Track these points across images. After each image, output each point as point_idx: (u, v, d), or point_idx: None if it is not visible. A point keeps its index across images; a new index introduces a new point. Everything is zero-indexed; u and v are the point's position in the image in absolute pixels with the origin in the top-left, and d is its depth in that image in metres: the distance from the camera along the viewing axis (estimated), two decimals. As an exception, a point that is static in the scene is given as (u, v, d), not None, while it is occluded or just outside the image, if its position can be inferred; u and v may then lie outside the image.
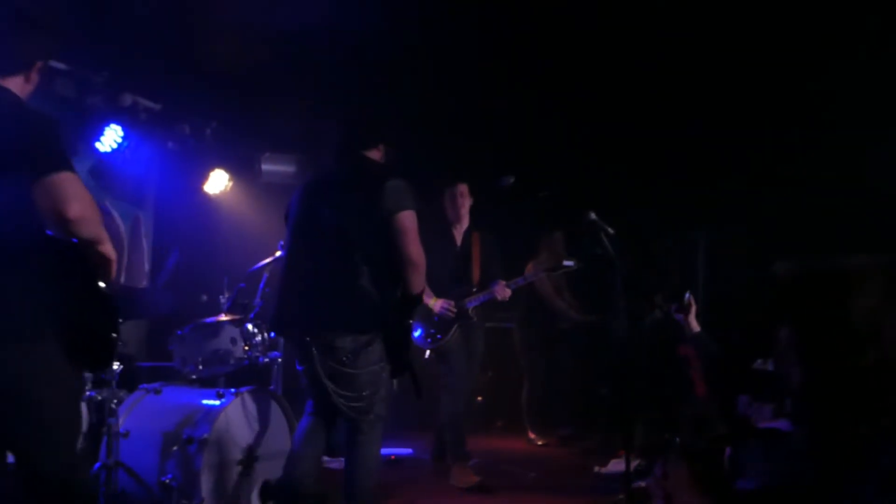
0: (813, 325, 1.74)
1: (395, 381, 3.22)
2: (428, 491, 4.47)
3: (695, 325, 3.42)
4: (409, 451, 5.45)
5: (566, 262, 4.78)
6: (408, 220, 3.05)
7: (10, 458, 2.29)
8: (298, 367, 3.19)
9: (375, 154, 3.28)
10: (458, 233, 4.90)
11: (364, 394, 3.00)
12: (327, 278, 3.05)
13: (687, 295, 3.54)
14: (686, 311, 3.44)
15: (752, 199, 5.56)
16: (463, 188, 4.87)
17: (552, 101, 6.05)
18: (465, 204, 4.88)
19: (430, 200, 4.82)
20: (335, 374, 2.98)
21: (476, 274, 4.83)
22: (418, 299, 3.14)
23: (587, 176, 6.48)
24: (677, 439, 2.97)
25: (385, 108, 3.83)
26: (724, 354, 3.28)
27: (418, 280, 3.08)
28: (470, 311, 4.73)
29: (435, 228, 4.79)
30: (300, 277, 3.13)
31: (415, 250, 3.04)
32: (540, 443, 6.23)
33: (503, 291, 4.75)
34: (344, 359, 2.96)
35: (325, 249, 3.08)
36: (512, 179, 3.88)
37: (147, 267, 5.85)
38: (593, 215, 3.90)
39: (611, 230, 4.03)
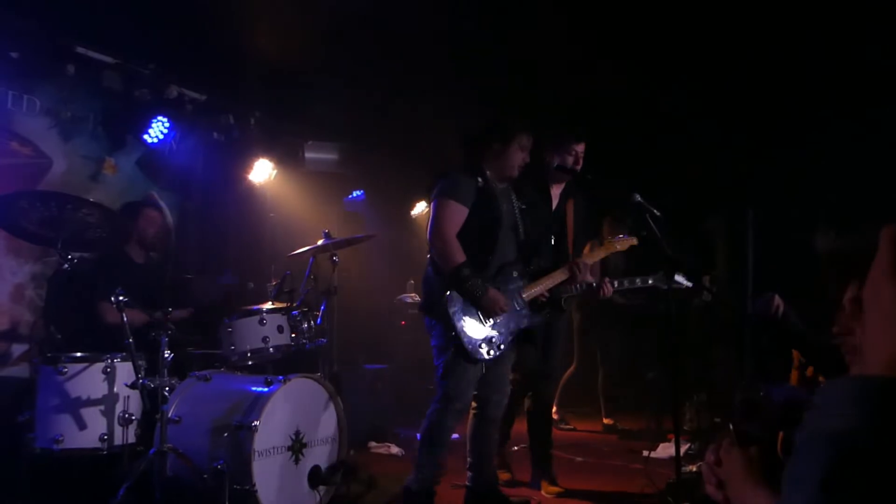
0: None
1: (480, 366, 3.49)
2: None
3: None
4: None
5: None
6: (436, 207, 3.51)
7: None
8: None
9: (497, 154, 3.60)
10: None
11: (438, 369, 3.49)
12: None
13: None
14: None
15: (803, 174, 5.40)
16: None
17: (596, 82, 5.95)
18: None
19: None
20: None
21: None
22: (451, 277, 3.43)
23: (633, 158, 6.37)
24: (730, 425, 2.89)
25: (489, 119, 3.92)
26: (804, 329, 3.19)
27: (440, 260, 3.47)
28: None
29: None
30: None
31: (433, 233, 3.48)
32: (563, 425, 6.17)
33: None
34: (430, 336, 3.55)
35: None
36: (556, 162, 3.81)
37: (194, 255, 5.94)
38: (638, 197, 3.82)
39: (656, 211, 3.94)
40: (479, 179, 3.60)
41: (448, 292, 3.43)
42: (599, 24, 5.47)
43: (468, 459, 3.79)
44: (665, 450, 5.02)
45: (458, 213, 3.51)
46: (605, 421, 6.23)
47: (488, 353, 3.47)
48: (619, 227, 5.59)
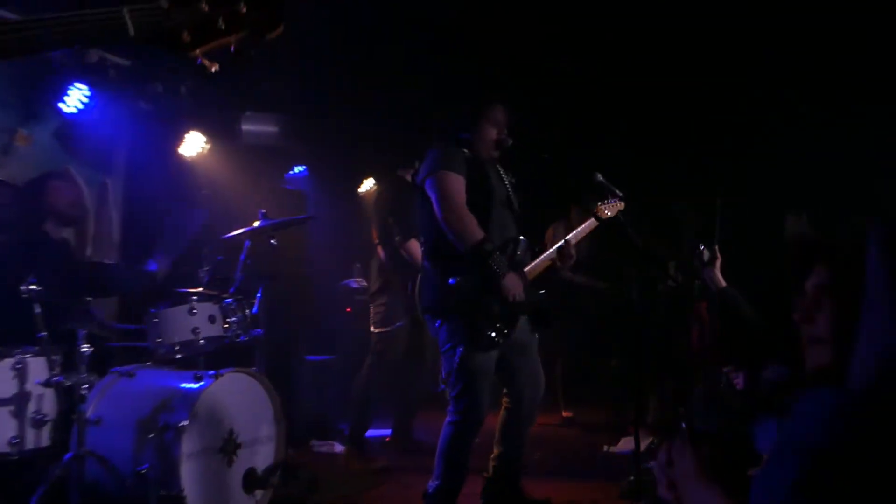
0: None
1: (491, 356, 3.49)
2: (428, 472, 4.50)
3: (720, 280, 3.41)
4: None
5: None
6: (436, 182, 3.43)
7: None
8: None
9: (486, 131, 3.61)
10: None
11: (444, 375, 3.51)
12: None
13: (701, 248, 3.51)
14: (710, 264, 3.43)
15: (773, 158, 5.52)
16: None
17: (555, 55, 5.96)
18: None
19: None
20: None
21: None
22: (473, 254, 3.35)
23: (595, 136, 6.42)
24: (682, 423, 2.98)
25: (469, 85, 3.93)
26: (755, 315, 3.26)
27: (458, 237, 3.38)
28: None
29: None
30: None
31: (445, 209, 3.38)
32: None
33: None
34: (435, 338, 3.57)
35: None
36: (510, 141, 3.79)
37: (117, 238, 5.83)
38: (600, 177, 3.86)
39: (619, 193, 3.99)
40: (465, 150, 3.61)
41: (453, 280, 3.39)
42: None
43: (494, 450, 3.80)
44: (626, 444, 5.13)
45: (461, 184, 3.47)
46: (564, 413, 6.33)
47: (498, 336, 3.45)
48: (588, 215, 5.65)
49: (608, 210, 3.96)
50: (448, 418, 3.52)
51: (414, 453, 5.06)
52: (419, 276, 3.70)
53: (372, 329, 5.00)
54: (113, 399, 3.55)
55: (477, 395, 3.45)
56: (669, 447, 1.66)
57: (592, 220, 3.92)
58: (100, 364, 3.68)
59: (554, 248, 3.77)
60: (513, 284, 3.41)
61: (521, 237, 3.69)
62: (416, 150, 4.75)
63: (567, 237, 3.80)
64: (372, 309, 5.10)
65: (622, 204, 3.97)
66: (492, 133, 3.65)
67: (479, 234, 3.37)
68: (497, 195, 3.64)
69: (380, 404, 5.26)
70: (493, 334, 3.42)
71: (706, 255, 3.46)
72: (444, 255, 3.48)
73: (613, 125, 6.43)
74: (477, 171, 3.58)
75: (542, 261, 3.78)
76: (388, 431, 5.54)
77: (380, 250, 4.99)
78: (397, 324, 4.87)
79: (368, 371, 4.91)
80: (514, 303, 3.44)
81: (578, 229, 3.94)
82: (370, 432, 5.71)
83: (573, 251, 3.75)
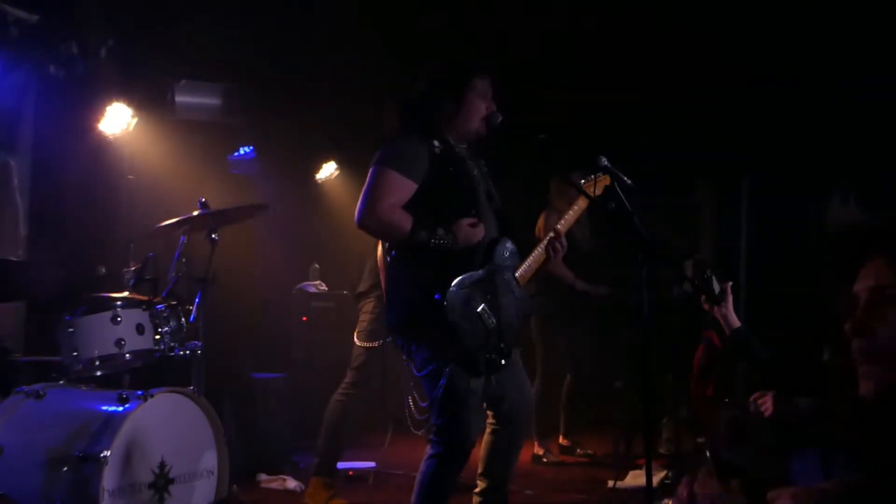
0: None
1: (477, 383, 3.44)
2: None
3: (734, 320, 3.42)
4: (370, 464, 5.48)
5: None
6: (370, 177, 3.44)
7: None
8: None
9: (452, 115, 3.59)
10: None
11: (434, 405, 3.43)
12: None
13: (708, 273, 3.51)
14: (720, 303, 3.42)
15: (808, 137, 5.55)
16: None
17: (553, 15, 5.98)
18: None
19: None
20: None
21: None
22: (410, 246, 3.38)
23: (599, 113, 6.43)
24: (707, 452, 2.99)
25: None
26: (773, 357, 3.29)
27: (387, 239, 3.57)
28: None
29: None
30: None
31: (365, 209, 3.40)
32: (545, 459, 6.24)
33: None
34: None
35: None
36: (500, 118, 3.81)
37: (23, 231, 5.79)
38: (605, 161, 3.87)
39: (627, 179, 4.01)
40: (436, 143, 3.55)
41: (445, 299, 3.32)
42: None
43: (478, 484, 3.78)
44: (635, 478, 5.16)
45: (400, 187, 3.43)
46: (562, 442, 6.35)
47: (498, 359, 3.47)
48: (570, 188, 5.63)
49: (596, 186, 3.91)
50: (430, 451, 3.49)
51: (382, 490, 5.06)
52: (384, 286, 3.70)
53: (355, 340, 4.91)
54: (17, 425, 3.52)
55: (467, 421, 3.44)
56: (691, 481, 1.68)
57: (581, 200, 3.89)
58: (2, 382, 3.66)
59: (543, 242, 3.77)
60: (469, 234, 3.43)
61: (506, 238, 3.69)
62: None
63: (556, 227, 3.80)
64: (360, 313, 5.02)
65: (608, 178, 3.96)
66: (480, 107, 3.63)
67: (406, 226, 3.38)
68: (481, 191, 3.65)
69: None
70: (493, 355, 3.42)
71: (716, 286, 3.46)
72: (417, 259, 3.44)
73: (618, 97, 6.44)
74: (452, 164, 3.56)
75: (533, 259, 3.78)
76: (350, 464, 5.54)
77: (379, 247, 4.90)
78: (384, 339, 4.80)
79: (347, 389, 4.83)
80: (511, 318, 3.50)
81: (568, 214, 3.92)
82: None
83: (564, 241, 3.76)
